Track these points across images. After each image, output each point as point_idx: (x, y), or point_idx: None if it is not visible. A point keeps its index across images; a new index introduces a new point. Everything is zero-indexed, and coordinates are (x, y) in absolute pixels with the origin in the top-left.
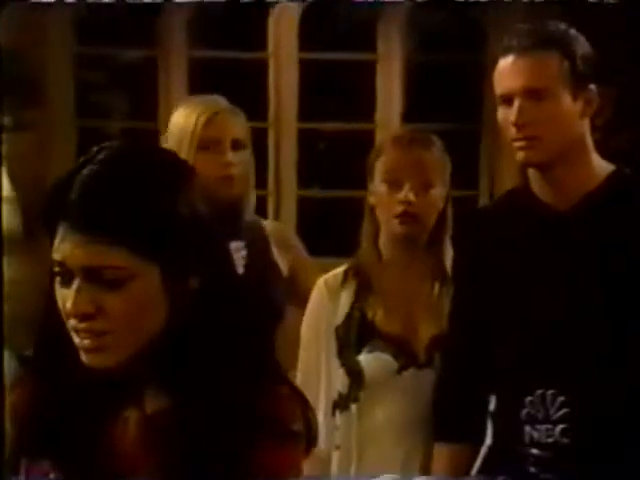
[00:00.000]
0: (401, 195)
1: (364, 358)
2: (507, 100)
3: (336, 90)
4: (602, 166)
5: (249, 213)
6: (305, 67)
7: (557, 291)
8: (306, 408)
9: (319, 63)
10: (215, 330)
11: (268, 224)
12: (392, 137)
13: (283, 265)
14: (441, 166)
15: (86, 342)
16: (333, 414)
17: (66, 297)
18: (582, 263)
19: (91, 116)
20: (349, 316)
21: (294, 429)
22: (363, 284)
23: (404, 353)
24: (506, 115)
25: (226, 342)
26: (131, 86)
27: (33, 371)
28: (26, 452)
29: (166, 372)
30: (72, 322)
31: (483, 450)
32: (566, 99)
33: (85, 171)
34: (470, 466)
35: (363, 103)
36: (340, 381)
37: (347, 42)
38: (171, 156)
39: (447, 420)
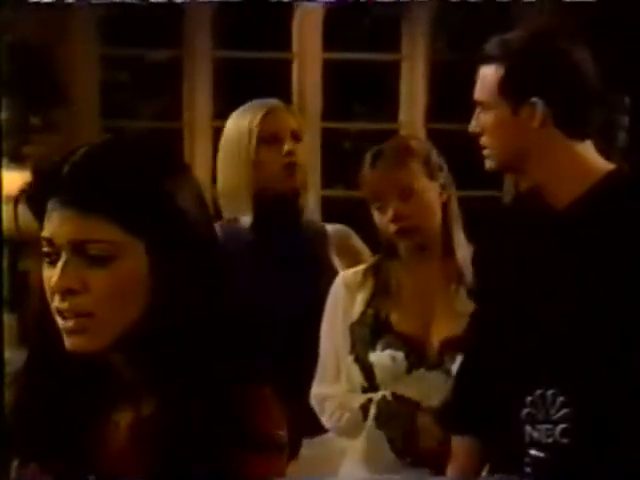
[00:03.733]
0: (389, 216)
1: (376, 355)
2: None
3: (360, 90)
4: (599, 166)
5: (309, 212)
6: (329, 67)
7: (555, 290)
8: (286, 411)
9: (343, 63)
10: (196, 322)
11: (330, 227)
12: (369, 157)
13: (343, 269)
14: (419, 171)
15: (69, 324)
16: (362, 409)
17: (50, 276)
18: (577, 262)
19: (116, 116)
20: (363, 313)
21: (278, 438)
22: (380, 283)
23: (415, 353)
24: None
25: (207, 335)
26: (156, 87)
27: (25, 369)
28: (17, 453)
29: (154, 369)
30: (56, 302)
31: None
32: (503, 111)
33: (77, 153)
34: (483, 463)
35: (387, 103)
36: (358, 376)
37: (371, 42)
38: (165, 147)
39: (466, 412)
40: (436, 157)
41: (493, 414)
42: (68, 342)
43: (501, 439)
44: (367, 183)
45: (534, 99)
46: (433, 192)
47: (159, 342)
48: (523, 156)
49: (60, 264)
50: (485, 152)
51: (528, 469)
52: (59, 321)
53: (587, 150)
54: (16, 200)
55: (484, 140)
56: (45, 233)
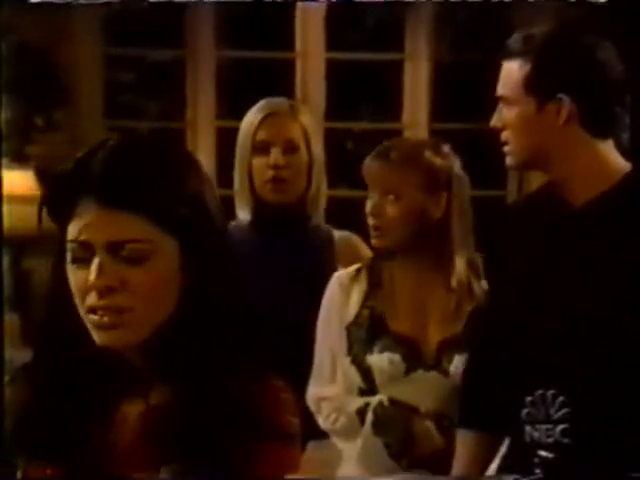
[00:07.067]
0: (367, 208)
1: (374, 357)
2: None
3: (363, 90)
4: (619, 166)
5: (316, 217)
6: (332, 67)
7: (562, 289)
8: (297, 402)
9: (346, 63)
10: (221, 316)
11: (337, 234)
12: (379, 147)
13: None
14: (409, 174)
15: (105, 319)
16: (359, 413)
17: (84, 276)
18: (588, 261)
19: (119, 117)
20: (358, 314)
21: (290, 427)
22: (374, 282)
23: (412, 354)
24: None
25: (229, 329)
26: (159, 87)
27: (35, 364)
28: (24, 450)
29: (171, 362)
30: (91, 299)
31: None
32: (528, 107)
33: (103, 151)
34: (491, 457)
35: (390, 103)
36: (356, 377)
37: (375, 42)
38: (182, 145)
39: (474, 407)
40: (458, 180)
41: (500, 410)
42: (102, 337)
43: (509, 438)
44: (362, 168)
45: (561, 95)
46: (418, 205)
47: (183, 336)
48: (545, 153)
49: (96, 263)
50: (506, 149)
51: (533, 469)
52: (91, 317)
53: (609, 149)
54: (41, 203)
55: (505, 136)
56: (80, 235)
